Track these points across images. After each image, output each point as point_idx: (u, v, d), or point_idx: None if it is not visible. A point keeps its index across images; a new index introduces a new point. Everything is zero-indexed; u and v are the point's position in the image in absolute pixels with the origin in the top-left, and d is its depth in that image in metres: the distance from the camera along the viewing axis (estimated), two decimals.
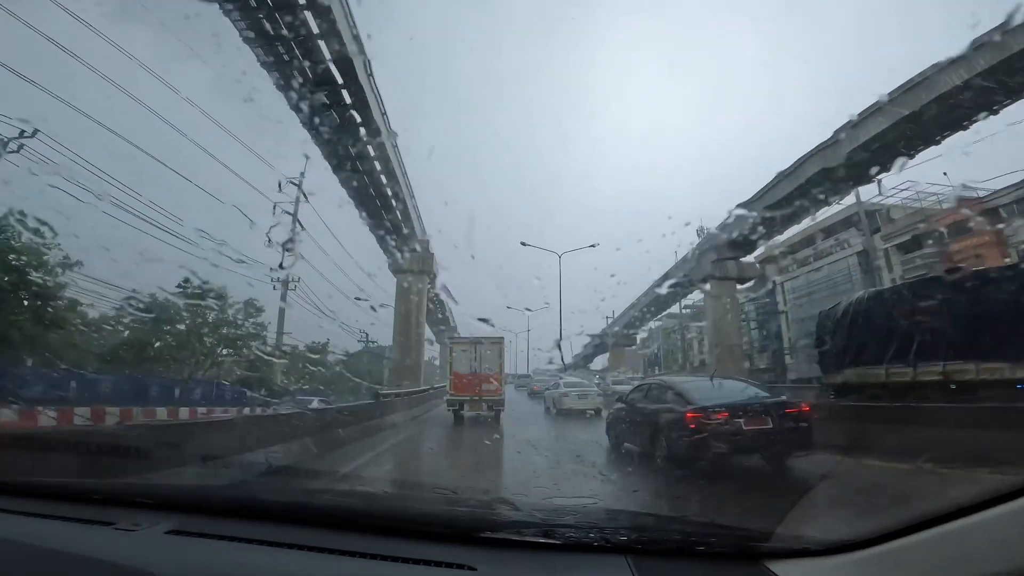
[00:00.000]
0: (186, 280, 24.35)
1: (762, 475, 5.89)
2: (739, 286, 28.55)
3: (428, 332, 47.83)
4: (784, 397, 7.34)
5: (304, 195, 24.36)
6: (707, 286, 24.97)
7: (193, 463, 4.43)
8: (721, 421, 5.71)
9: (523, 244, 25.03)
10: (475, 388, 13.86)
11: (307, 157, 23.33)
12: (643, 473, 6.48)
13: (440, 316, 48.24)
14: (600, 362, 51.96)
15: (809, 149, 21.26)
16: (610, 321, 48.77)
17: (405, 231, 22.80)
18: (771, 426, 5.74)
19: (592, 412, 14.60)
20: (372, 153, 18.10)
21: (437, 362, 47.84)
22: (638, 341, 51.51)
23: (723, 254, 22.04)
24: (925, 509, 0.92)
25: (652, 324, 48.60)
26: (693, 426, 5.78)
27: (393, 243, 22.37)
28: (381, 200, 20.20)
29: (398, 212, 21.62)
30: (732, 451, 5.73)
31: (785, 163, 21.60)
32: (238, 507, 1.41)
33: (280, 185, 23.50)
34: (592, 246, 25.74)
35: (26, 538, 1.21)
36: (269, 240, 23.56)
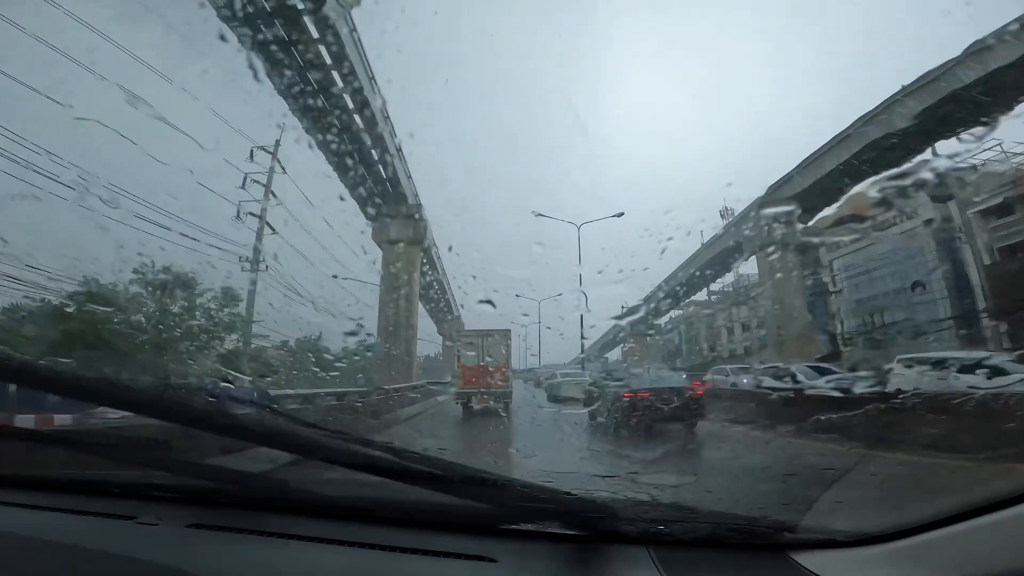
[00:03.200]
0: (143, 266, 21.24)
1: (782, 467, 6.32)
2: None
3: (432, 327, 44.66)
4: (686, 383, 10.83)
5: (281, 165, 21.09)
6: (753, 259, 20.99)
7: (212, 454, 3.82)
8: (644, 399, 8.95)
9: (536, 215, 21.04)
10: (483, 381, 14.01)
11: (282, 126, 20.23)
12: (604, 433, 9.18)
13: (442, 304, 45.00)
14: (618, 353, 48.75)
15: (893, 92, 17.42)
16: (624, 309, 45.06)
17: (391, 190, 19.22)
18: (676, 403, 8.86)
19: (584, 397, 15.65)
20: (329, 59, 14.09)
21: (442, 358, 44.42)
22: (660, 328, 47.90)
23: (785, 217, 18.27)
24: (956, 503, 0.89)
25: (673, 313, 44.96)
26: (627, 402, 9.02)
27: (376, 205, 18.84)
28: (355, 144, 16.54)
29: (381, 165, 18.11)
30: (651, 418, 8.57)
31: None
32: (257, 500, 1.40)
33: (252, 153, 20.54)
34: (618, 215, 21.58)
35: (49, 534, 1.19)
36: (239, 214, 20.37)
